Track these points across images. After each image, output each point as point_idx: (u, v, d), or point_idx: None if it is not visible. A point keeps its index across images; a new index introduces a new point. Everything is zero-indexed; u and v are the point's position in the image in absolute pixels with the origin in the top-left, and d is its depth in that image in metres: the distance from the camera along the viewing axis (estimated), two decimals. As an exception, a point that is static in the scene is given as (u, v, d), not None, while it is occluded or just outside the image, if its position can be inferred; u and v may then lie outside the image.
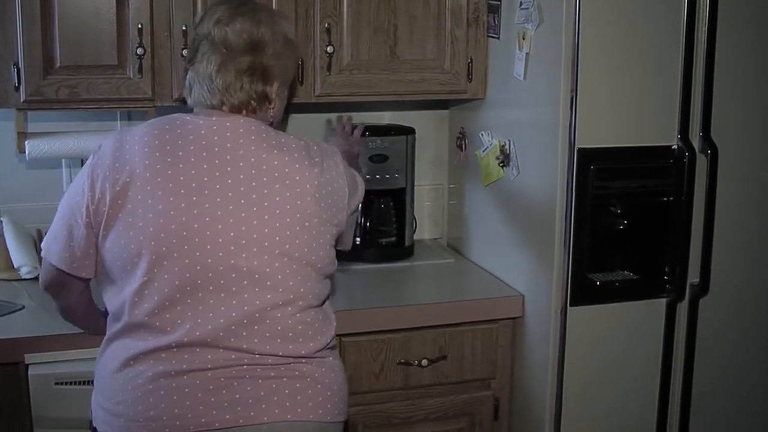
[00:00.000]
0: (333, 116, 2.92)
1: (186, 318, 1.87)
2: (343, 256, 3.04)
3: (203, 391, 1.86)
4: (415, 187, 3.14)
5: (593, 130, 2.45)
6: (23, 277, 2.71)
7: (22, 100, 2.49)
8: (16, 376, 2.30)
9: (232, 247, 1.87)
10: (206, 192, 1.87)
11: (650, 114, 2.49)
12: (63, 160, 2.88)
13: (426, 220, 3.30)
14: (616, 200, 2.50)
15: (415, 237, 3.19)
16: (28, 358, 2.29)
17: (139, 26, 2.52)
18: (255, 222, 1.88)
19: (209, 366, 1.87)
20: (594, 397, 2.59)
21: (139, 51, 2.52)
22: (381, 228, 3.03)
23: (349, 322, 2.55)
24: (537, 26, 2.51)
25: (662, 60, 2.47)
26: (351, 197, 2.07)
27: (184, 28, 2.56)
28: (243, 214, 1.87)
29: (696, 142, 2.53)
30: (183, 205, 1.86)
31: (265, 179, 1.90)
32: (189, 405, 1.85)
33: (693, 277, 2.59)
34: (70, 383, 2.30)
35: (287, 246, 1.90)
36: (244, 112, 1.97)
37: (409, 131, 3.02)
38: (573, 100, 2.41)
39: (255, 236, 1.88)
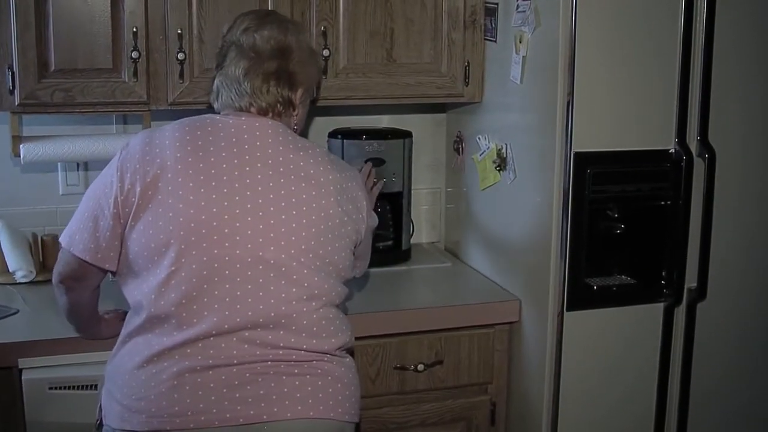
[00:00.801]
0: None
1: (213, 310, 1.89)
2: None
3: (228, 386, 1.88)
4: (413, 191, 3.13)
5: (590, 134, 2.43)
6: (18, 282, 2.70)
7: (16, 104, 2.47)
8: (9, 380, 2.29)
9: (261, 239, 1.91)
10: (236, 185, 1.92)
11: (647, 117, 2.48)
12: (59, 163, 2.87)
13: (424, 224, 3.29)
14: (614, 204, 2.49)
15: (413, 241, 3.18)
16: (22, 362, 2.28)
17: (134, 29, 2.51)
18: (283, 216, 1.93)
19: (235, 361, 1.89)
20: (591, 402, 2.58)
21: (134, 54, 2.51)
22: (378, 232, 3.01)
23: (344, 326, 2.55)
24: (534, 29, 2.50)
25: (659, 63, 2.46)
26: (369, 213, 2.14)
27: (179, 31, 2.55)
28: (272, 209, 1.93)
29: (693, 146, 2.52)
30: (213, 196, 1.91)
31: (292, 177, 1.96)
32: (214, 400, 1.87)
33: (690, 281, 2.57)
34: (64, 388, 2.29)
35: (312, 242, 1.96)
36: (270, 114, 2.04)
37: (406, 135, 3.01)
38: (569, 104, 2.40)
39: (283, 230, 1.93)
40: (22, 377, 2.27)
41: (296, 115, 2.10)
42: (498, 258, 2.83)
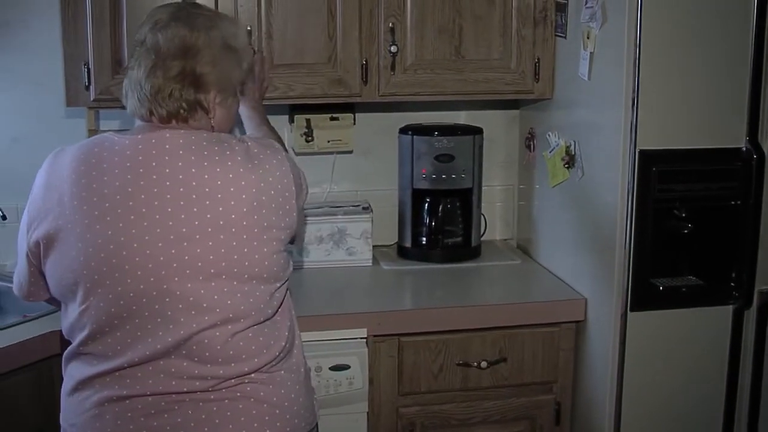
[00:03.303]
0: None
1: (125, 344, 1.83)
2: (408, 256, 3.05)
3: (146, 415, 1.83)
4: (487, 188, 3.13)
5: (656, 132, 2.38)
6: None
7: (91, 99, 2.57)
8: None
9: (163, 272, 1.80)
10: (132, 217, 1.80)
11: (717, 115, 2.42)
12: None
13: (497, 221, 3.28)
14: (680, 203, 2.43)
15: (487, 237, 3.17)
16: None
17: (205, 27, 2.56)
18: (185, 243, 1.80)
19: (148, 392, 1.83)
20: (656, 406, 2.53)
21: (204, 51, 2.56)
22: (447, 228, 3.02)
23: (408, 321, 2.57)
24: (601, 25, 2.47)
25: (730, 58, 2.39)
26: (298, 196, 1.95)
27: (248, 28, 2.58)
28: (172, 237, 1.80)
29: (766, 144, 2.44)
30: (110, 232, 1.80)
31: (194, 197, 1.81)
32: (132, 429, 1.83)
33: (761, 284, 2.50)
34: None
35: (223, 264, 1.82)
36: (174, 122, 1.88)
37: (476, 131, 3.00)
38: (635, 101, 2.36)
39: (186, 258, 1.80)
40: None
41: (213, 119, 1.91)
42: (567, 256, 2.80)
